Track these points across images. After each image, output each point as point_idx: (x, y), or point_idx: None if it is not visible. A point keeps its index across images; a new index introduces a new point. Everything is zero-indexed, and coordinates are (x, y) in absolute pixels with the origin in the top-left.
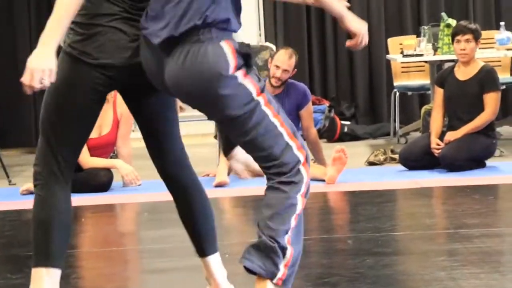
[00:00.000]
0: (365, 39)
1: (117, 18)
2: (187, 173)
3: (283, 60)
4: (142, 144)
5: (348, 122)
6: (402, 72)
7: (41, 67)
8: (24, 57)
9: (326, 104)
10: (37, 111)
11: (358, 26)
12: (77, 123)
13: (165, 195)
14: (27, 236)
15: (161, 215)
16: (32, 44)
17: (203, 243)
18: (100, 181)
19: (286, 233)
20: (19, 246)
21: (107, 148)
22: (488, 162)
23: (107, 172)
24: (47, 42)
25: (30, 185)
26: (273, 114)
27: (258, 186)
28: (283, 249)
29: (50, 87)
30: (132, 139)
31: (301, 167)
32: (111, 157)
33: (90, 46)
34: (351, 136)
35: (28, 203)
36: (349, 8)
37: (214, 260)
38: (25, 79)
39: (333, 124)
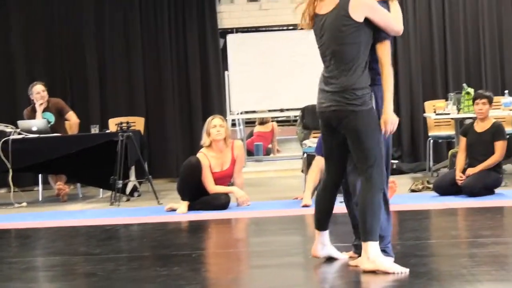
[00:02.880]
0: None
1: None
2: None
3: None
4: (251, 175)
5: (396, 161)
6: (435, 125)
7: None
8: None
9: None
10: (179, 149)
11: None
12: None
13: (267, 213)
14: (170, 241)
15: (264, 226)
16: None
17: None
18: (221, 202)
19: None
20: (164, 247)
21: (226, 179)
22: (497, 190)
23: (226, 196)
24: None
25: (172, 205)
26: None
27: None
28: None
29: None
30: (244, 172)
31: None
32: (228, 185)
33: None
34: (399, 171)
35: (170, 217)
36: (396, 82)
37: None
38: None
39: None
